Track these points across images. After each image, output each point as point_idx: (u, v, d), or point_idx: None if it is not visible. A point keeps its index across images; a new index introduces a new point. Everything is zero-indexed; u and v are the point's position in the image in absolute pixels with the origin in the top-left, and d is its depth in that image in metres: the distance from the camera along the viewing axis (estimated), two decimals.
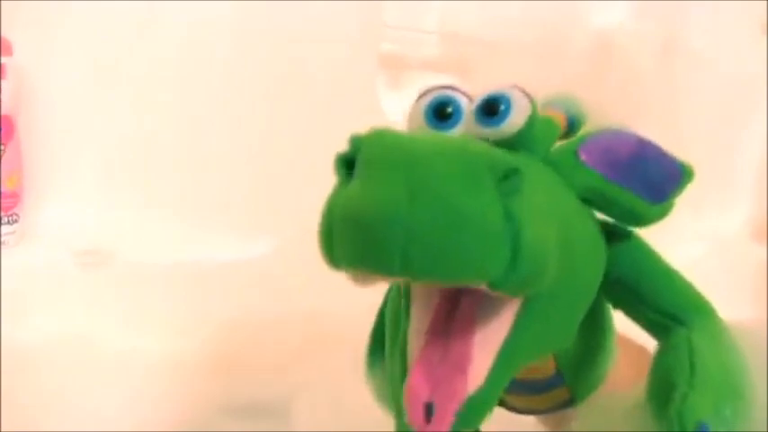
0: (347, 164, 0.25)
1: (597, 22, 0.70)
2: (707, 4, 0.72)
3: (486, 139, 0.28)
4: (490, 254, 0.23)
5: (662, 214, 0.32)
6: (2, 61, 0.63)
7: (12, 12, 0.64)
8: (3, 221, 0.65)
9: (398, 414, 0.36)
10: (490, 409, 0.27)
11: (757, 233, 0.72)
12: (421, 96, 0.30)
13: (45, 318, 0.62)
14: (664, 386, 0.31)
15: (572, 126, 0.33)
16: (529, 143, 0.29)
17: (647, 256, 0.34)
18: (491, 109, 0.29)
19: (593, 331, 0.35)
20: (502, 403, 0.38)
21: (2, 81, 0.63)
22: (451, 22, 0.69)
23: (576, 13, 0.70)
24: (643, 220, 0.32)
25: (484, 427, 0.39)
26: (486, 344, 0.27)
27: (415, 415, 0.26)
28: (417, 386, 0.26)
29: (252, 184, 0.70)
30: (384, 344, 0.38)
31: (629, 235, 0.33)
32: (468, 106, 0.29)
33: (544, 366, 0.35)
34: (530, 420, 0.45)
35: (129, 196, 0.70)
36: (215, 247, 0.68)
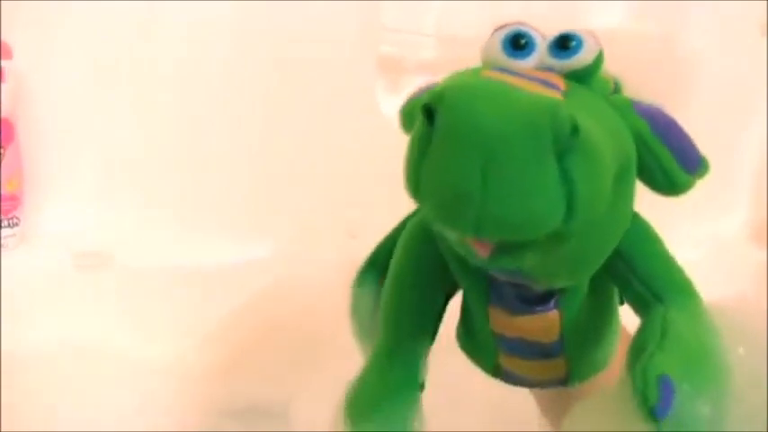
0: (429, 114, 0.28)
1: (596, 23, 0.70)
2: (706, 5, 0.72)
3: (557, 70, 0.32)
4: (548, 217, 0.27)
5: (688, 185, 0.33)
6: (2, 65, 0.63)
7: (11, 15, 0.64)
8: (3, 224, 0.65)
9: (386, 321, 0.38)
10: None
11: (756, 235, 0.72)
12: (497, 30, 0.33)
13: (45, 320, 0.62)
14: (635, 353, 0.31)
15: (617, 91, 0.35)
16: (594, 81, 0.32)
17: (649, 235, 0.35)
18: (564, 43, 0.32)
19: (601, 309, 0.37)
20: (499, 371, 0.39)
21: (2, 84, 0.63)
22: (449, 25, 0.69)
23: (575, 14, 0.70)
24: (672, 184, 0.33)
25: (484, 426, 0.39)
26: None
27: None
28: None
29: (251, 185, 0.70)
30: (378, 267, 0.40)
31: (636, 215, 0.35)
32: (541, 41, 0.32)
33: (549, 329, 0.36)
34: (530, 420, 0.46)
35: (128, 198, 0.70)
36: (215, 250, 0.68)
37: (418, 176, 0.29)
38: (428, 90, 0.30)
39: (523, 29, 0.33)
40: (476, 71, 0.32)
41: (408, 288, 0.38)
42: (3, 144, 0.64)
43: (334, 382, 0.55)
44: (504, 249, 0.29)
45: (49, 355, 0.60)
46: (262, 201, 0.70)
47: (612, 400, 0.32)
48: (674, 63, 0.73)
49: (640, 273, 0.34)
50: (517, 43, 0.32)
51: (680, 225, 0.69)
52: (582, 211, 0.28)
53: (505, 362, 0.38)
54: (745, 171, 0.76)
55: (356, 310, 0.42)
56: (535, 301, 0.35)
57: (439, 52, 0.69)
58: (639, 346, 0.32)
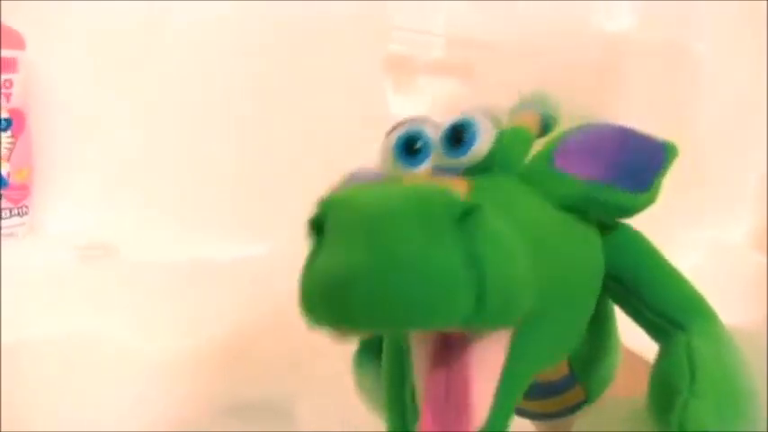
0: (317, 226, 0.25)
1: (603, 25, 0.71)
2: (713, 10, 0.72)
3: (457, 168, 0.29)
4: (452, 301, 0.23)
5: (650, 200, 0.31)
6: (14, 55, 0.63)
7: (24, 6, 0.64)
8: (13, 213, 0.65)
9: (391, 414, 0.36)
10: None
11: (758, 242, 0.72)
12: (391, 131, 0.31)
13: (48, 311, 0.62)
14: (664, 391, 0.30)
15: (547, 125, 0.33)
16: (500, 162, 0.29)
17: (648, 254, 0.33)
18: (457, 138, 0.29)
19: (600, 329, 0.35)
20: (523, 413, 0.38)
21: (14, 75, 0.63)
22: (458, 25, 0.69)
23: (583, 16, 0.70)
24: (630, 212, 0.31)
25: None
26: (484, 377, 0.27)
27: None
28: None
29: (255, 183, 0.70)
30: (373, 347, 0.39)
31: (628, 231, 0.33)
32: (435, 137, 0.30)
33: (557, 369, 0.35)
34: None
35: (133, 193, 0.70)
36: (217, 246, 0.68)
37: (307, 286, 0.25)
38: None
39: (417, 128, 0.30)
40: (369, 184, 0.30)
41: (401, 372, 0.35)
42: (14, 134, 0.64)
43: (334, 379, 0.55)
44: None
45: (51, 345, 0.60)
46: (264, 198, 0.70)
47: (630, 418, 0.32)
48: (679, 69, 0.73)
49: (650, 301, 0.32)
50: (410, 148, 0.30)
51: (681, 230, 0.69)
52: (495, 298, 0.24)
53: (527, 405, 0.37)
54: (748, 178, 0.76)
55: (361, 387, 0.41)
56: None
57: (448, 52, 0.69)
58: (667, 382, 0.30)
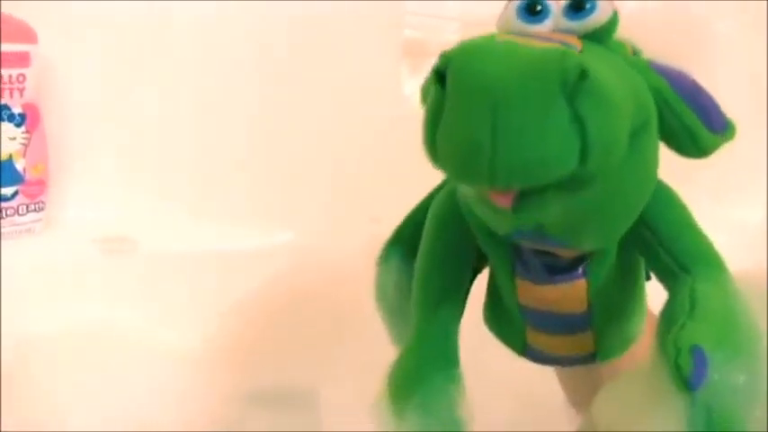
0: (440, 77, 0.29)
1: (618, 2, 0.70)
2: None
3: (573, 32, 0.32)
4: (561, 158, 0.28)
5: (712, 145, 0.34)
6: (26, 49, 0.63)
7: (36, 1, 0.64)
8: (30, 209, 0.65)
9: (422, 310, 0.38)
10: None
11: None
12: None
13: (69, 304, 0.62)
14: (667, 327, 0.31)
15: (635, 54, 0.36)
16: (609, 42, 0.32)
17: (673, 202, 0.35)
18: (578, 5, 0.32)
19: (628, 282, 0.37)
20: (527, 349, 0.39)
21: (27, 69, 0.63)
22: (472, 8, 0.69)
23: None
24: (696, 143, 0.33)
25: (510, 412, 0.39)
26: None
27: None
28: None
29: (273, 170, 0.70)
30: (403, 242, 0.41)
31: (664, 186, 0.35)
32: (556, 5, 0.33)
33: (577, 300, 0.36)
34: (557, 405, 0.46)
35: (151, 184, 0.70)
36: (236, 235, 0.68)
37: (434, 139, 0.29)
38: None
39: None
40: (490, 36, 0.32)
41: (439, 265, 0.38)
42: (29, 129, 0.64)
43: (357, 366, 0.55)
44: (524, 199, 0.29)
45: (70, 337, 0.60)
46: (284, 186, 0.70)
47: (645, 376, 0.32)
48: (694, 46, 0.72)
49: (667, 243, 0.34)
50: (532, 9, 0.33)
51: (701, 210, 0.69)
52: (597, 153, 0.28)
53: (533, 339, 0.38)
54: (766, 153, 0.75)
55: (381, 286, 0.42)
56: (562, 270, 0.35)
57: (462, 35, 0.69)
58: (669, 317, 0.32)
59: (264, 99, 0.69)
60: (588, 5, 0.32)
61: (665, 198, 0.35)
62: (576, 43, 0.31)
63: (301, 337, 0.62)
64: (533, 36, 0.31)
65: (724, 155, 0.76)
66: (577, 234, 0.33)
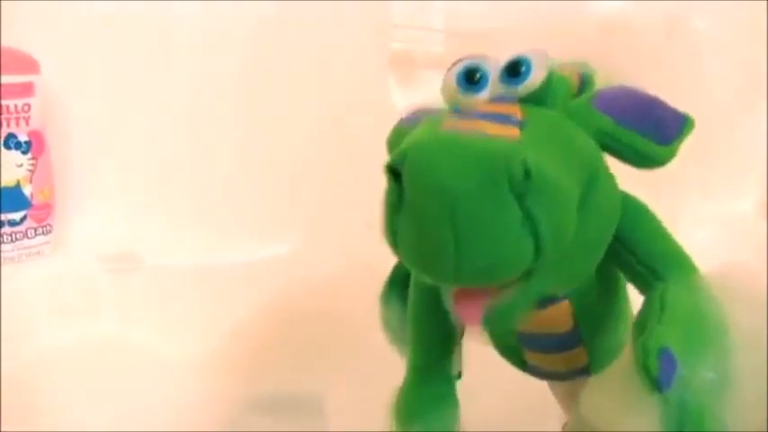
0: (395, 174, 0.30)
1: (599, 7, 0.71)
2: None
3: (512, 96, 0.33)
4: (518, 257, 0.29)
5: (669, 156, 0.34)
6: (30, 80, 0.65)
7: (38, 31, 0.66)
8: (38, 232, 0.66)
9: (415, 347, 0.40)
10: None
11: (766, 214, 0.72)
12: (453, 66, 0.34)
13: (78, 321, 0.63)
14: (638, 331, 0.33)
15: (584, 84, 0.37)
16: (549, 98, 0.33)
17: (641, 213, 0.36)
18: (513, 70, 0.33)
19: (610, 294, 0.38)
20: (526, 366, 0.41)
21: (31, 99, 0.65)
22: (458, 20, 0.70)
23: (583, 7, 0.70)
24: (652, 161, 0.34)
25: (503, 416, 0.40)
26: None
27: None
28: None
29: (270, 183, 0.71)
30: (400, 283, 0.42)
31: (632, 197, 0.36)
32: (493, 70, 0.33)
33: (563, 320, 0.37)
34: (549, 408, 0.47)
35: (152, 202, 0.71)
36: (237, 248, 0.69)
37: (395, 230, 0.31)
38: (393, 151, 0.31)
39: (476, 62, 0.34)
40: (436, 121, 0.33)
41: (428, 304, 0.39)
42: (35, 155, 0.66)
43: (358, 373, 0.56)
44: (491, 314, 0.31)
45: (84, 356, 0.61)
46: (281, 198, 0.71)
47: (621, 375, 0.33)
48: (679, 46, 0.73)
49: (640, 255, 0.35)
50: (471, 78, 0.34)
51: (690, 204, 0.70)
52: (549, 246, 0.29)
53: (530, 357, 0.40)
54: (756, 150, 0.76)
55: (387, 325, 0.44)
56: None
57: (448, 47, 0.70)
58: (641, 323, 0.33)
59: (258, 115, 0.70)
60: (523, 69, 0.33)
61: (634, 213, 0.36)
62: (516, 113, 0.32)
63: (305, 346, 0.63)
64: (475, 115, 0.32)
65: (713, 150, 0.77)
66: (552, 291, 0.35)
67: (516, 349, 0.40)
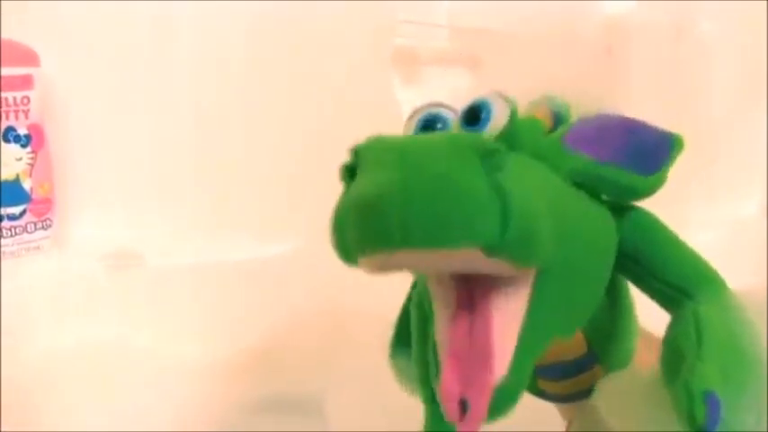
0: (351, 172, 0.27)
1: (608, 10, 0.71)
2: None
3: None
4: (481, 217, 0.24)
5: (657, 184, 0.32)
6: (29, 72, 0.64)
7: (36, 22, 0.65)
8: (37, 227, 0.66)
9: (426, 402, 0.38)
10: (518, 394, 0.29)
11: None
12: (411, 116, 0.32)
13: (79, 321, 0.63)
14: (673, 357, 0.31)
15: (558, 122, 0.35)
16: (514, 142, 0.30)
17: (655, 228, 0.34)
18: (473, 117, 0.30)
19: (618, 303, 0.37)
20: (541, 393, 0.39)
21: (30, 91, 0.64)
22: (461, 15, 0.70)
23: (588, 5, 0.70)
24: (638, 193, 0.33)
25: (505, 426, 0.40)
26: (505, 330, 0.28)
27: (451, 412, 0.27)
28: (449, 384, 0.27)
29: (272, 182, 0.70)
30: (406, 335, 0.40)
31: (640, 211, 0.34)
32: (454, 119, 0.31)
33: (576, 346, 0.36)
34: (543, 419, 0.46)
35: (154, 199, 0.70)
36: (239, 247, 0.69)
37: (343, 237, 0.26)
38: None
39: (436, 112, 0.32)
40: None
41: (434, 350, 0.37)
42: (34, 149, 0.65)
43: (363, 375, 0.56)
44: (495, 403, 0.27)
45: (81, 354, 0.61)
46: (284, 196, 0.70)
47: (648, 393, 0.32)
48: (685, 47, 0.72)
49: (656, 271, 0.33)
50: (431, 129, 0.31)
51: (695, 207, 0.69)
52: (516, 224, 0.25)
53: (545, 386, 0.38)
54: (762, 151, 0.76)
55: (400, 377, 0.43)
56: None
57: (452, 43, 0.70)
58: (676, 348, 0.31)
59: (259, 112, 0.69)
60: (483, 115, 0.30)
61: (642, 225, 0.34)
62: None
63: (305, 346, 0.63)
64: None
65: (718, 153, 0.77)
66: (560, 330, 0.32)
67: (531, 378, 0.39)
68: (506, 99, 0.31)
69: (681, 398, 0.29)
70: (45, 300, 0.63)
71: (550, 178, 0.31)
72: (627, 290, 0.38)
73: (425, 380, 0.37)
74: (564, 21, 0.68)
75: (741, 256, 0.64)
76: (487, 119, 0.30)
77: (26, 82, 0.64)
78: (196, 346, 0.63)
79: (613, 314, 0.36)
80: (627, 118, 0.33)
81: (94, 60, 0.68)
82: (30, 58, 0.65)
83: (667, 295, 0.33)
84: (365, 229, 0.25)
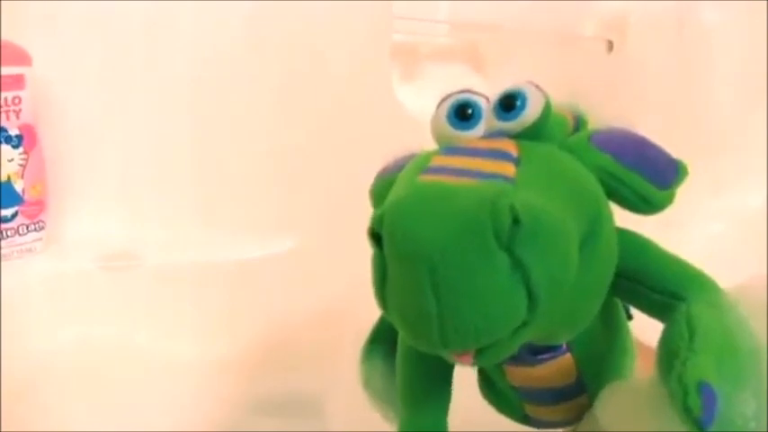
0: (377, 238, 0.29)
1: (608, 5, 0.70)
2: None
3: (507, 132, 0.31)
4: (509, 314, 0.27)
5: (666, 201, 0.33)
6: (21, 72, 0.63)
7: (28, 22, 0.65)
8: (30, 228, 0.65)
9: (406, 409, 0.38)
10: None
11: None
12: (442, 101, 0.32)
13: (72, 321, 0.63)
14: (668, 358, 0.31)
15: (578, 124, 0.35)
16: (545, 133, 0.31)
17: (643, 244, 0.35)
18: (508, 104, 0.31)
19: (612, 330, 0.37)
20: (528, 420, 0.39)
21: (22, 91, 0.63)
22: (461, 11, 0.69)
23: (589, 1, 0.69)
24: (651, 205, 0.33)
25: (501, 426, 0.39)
26: None
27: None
28: None
29: (271, 180, 0.70)
30: (381, 341, 0.41)
31: (627, 231, 0.35)
32: (486, 105, 0.32)
33: (566, 373, 0.36)
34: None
35: (150, 198, 0.70)
36: (238, 246, 0.68)
37: (384, 298, 0.29)
38: (375, 206, 0.31)
39: (467, 97, 0.32)
40: (420, 165, 0.31)
41: (417, 361, 0.38)
42: (26, 150, 0.65)
43: (359, 375, 0.55)
44: (483, 354, 0.29)
45: (80, 356, 0.61)
46: (282, 195, 0.70)
47: (647, 397, 0.32)
48: (692, 38, 0.72)
49: (653, 283, 0.34)
50: (463, 114, 0.32)
51: (701, 200, 0.69)
52: (544, 295, 0.27)
53: (532, 411, 0.38)
54: (763, 142, 0.75)
55: (368, 383, 0.43)
56: (545, 349, 0.35)
57: (452, 38, 0.69)
58: (669, 347, 0.31)
59: (257, 110, 0.69)
60: (518, 103, 0.31)
61: (633, 246, 0.34)
62: (512, 149, 0.30)
63: (305, 346, 0.62)
64: (468, 151, 0.30)
65: (724, 146, 0.77)
66: (548, 338, 0.33)
67: (516, 404, 0.39)
68: (541, 90, 0.31)
69: (675, 392, 0.29)
70: (43, 300, 0.63)
71: (578, 167, 0.31)
72: (621, 316, 0.38)
73: (409, 398, 0.38)
74: (564, 12, 0.67)
75: (747, 247, 0.64)
76: (522, 107, 0.31)
77: (18, 82, 0.63)
78: (194, 346, 0.63)
79: (606, 341, 0.37)
80: (641, 134, 0.34)
81: (89, 61, 0.68)
82: (22, 57, 0.64)
83: (663, 304, 0.33)
84: (410, 333, 0.29)
